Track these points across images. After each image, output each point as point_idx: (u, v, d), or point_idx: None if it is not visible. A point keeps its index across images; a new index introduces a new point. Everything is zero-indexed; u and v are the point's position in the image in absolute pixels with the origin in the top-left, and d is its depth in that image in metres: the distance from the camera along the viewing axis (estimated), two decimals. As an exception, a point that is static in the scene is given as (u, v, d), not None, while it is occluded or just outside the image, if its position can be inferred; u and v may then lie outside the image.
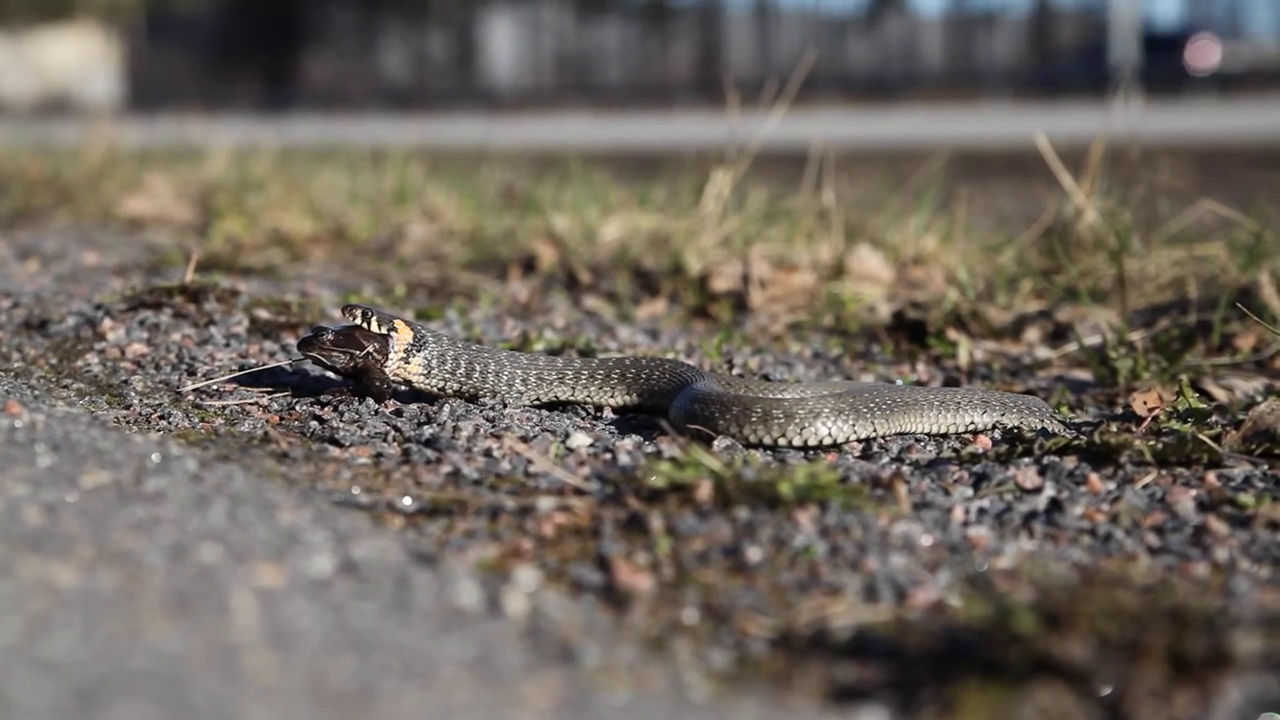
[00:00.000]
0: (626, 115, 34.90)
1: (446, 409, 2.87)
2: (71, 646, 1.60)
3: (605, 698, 1.60)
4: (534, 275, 5.12)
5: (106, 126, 10.51)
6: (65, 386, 3.19)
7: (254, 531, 2.06)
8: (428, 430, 2.74)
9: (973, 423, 2.86)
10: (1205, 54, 34.80)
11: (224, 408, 2.98)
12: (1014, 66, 42.26)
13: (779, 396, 2.77)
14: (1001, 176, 9.28)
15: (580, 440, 2.69)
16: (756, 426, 2.70)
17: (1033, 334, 4.01)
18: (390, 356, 2.95)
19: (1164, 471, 2.49)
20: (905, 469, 2.58)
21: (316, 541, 2.02)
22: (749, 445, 2.70)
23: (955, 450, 2.73)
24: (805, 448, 2.72)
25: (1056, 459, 2.52)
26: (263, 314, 3.81)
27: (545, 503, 2.21)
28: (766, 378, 3.43)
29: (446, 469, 2.50)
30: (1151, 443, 2.54)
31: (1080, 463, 2.51)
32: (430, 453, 2.59)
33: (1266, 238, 4.11)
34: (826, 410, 2.71)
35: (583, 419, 2.95)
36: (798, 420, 2.70)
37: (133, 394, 3.08)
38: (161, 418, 2.87)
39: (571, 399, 3.02)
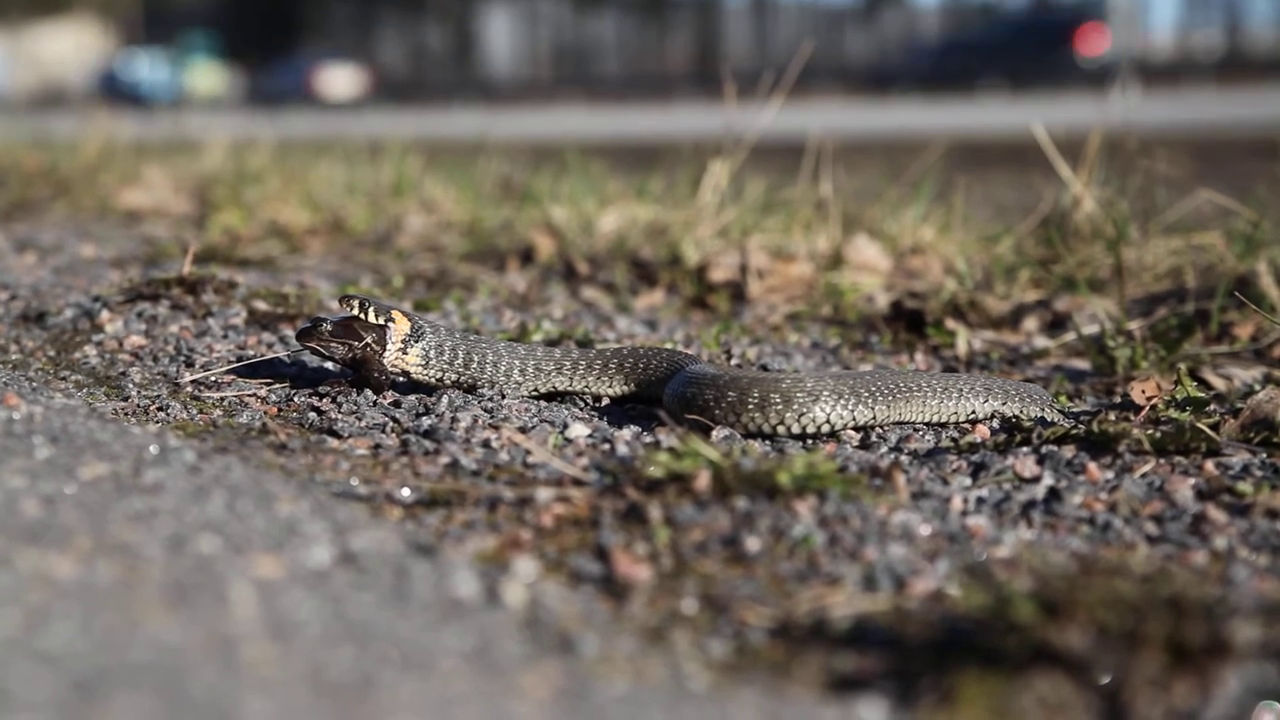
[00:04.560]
0: (624, 106, 34.86)
1: (445, 400, 2.87)
2: (70, 638, 1.60)
3: (604, 688, 1.60)
4: (532, 266, 5.12)
5: (104, 119, 10.50)
6: (63, 378, 3.19)
7: (252, 523, 2.05)
8: (426, 421, 2.73)
9: (973, 410, 2.86)
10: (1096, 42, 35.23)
11: (222, 399, 2.98)
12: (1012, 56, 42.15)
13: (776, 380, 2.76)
14: (999, 167, 9.27)
15: (579, 431, 2.69)
16: (754, 412, 2.70)
17: (1031, 323, 4.01)
18: (388, 347, 2.95)
19: (1162, 460, 2.48)
20: (904, 458, 2.58)
21: (315, 532, 2.02)
22: (748, 434, 2.70)
23: (954, 439, 2.73)
24: (804, 435, 2.72)
25: (1055, 448, 2.52)
26: (260, 305, 3.81)
27: (544, 493, 2.21)
28: (765, 368, 3.43)
29: (445, 460, 2.50)
30: (1150, 431, 2.54)
31: (1079, 452, 2.51)
32: (428, 444, 2.59)
33: (1264, 227, 4.11)
34: (825, 395, 2.71)
35: (581, 409, 2.95)
36: (796, 405, 2.70)
37: (131, 386, 3.08)
38: (160, 409, 2.87)
39: (570, 389, 3.02)
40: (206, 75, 46.27)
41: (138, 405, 2.90)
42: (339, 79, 46.12)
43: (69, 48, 61.90)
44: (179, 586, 1.78)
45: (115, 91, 41.90)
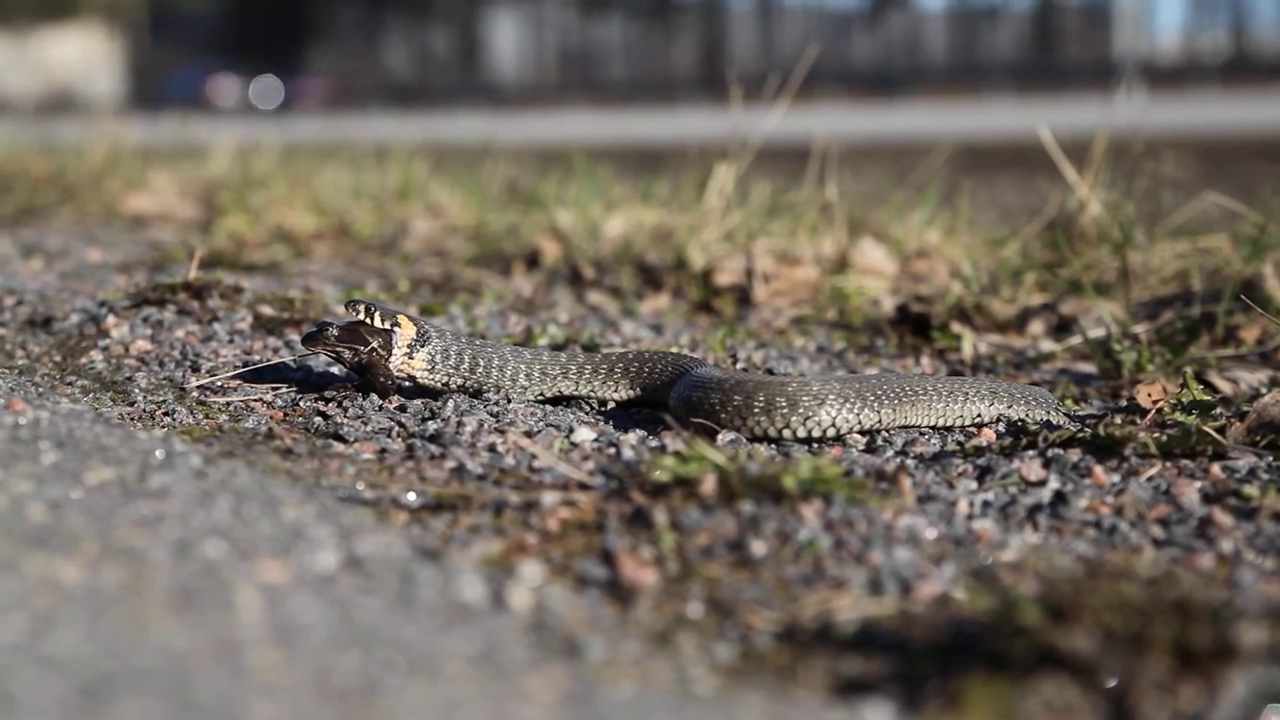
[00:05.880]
0: (630, 111, 34.88)
1: (451, 404, 2.87)
2: (76, 643, 1.61)
3: (610, 692, 1.60)
4: (538, 270, 5.12)
5: (110, 124, 10.53)
6: (69, 383, 3.19)
7: (258, 527, 2.06)
8: (432, 426, 2.74)
9: (979, 414, 2.86)
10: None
11: (228, 404, 2.98)
12: (1017, 60, 42.31)
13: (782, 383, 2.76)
14: (1005, 170, 9.27)
15: (584, 435, 2.69)
16: (760, 416, 2.70)
17: (1037, 327, 4.00)
18: (394, 352, 2.95)
19: (1168, 464, 2.48)
20: (909, 462, 2.58)
21: (321, 537, 2.02)
22: (753, 438, 2.70)
23: (959, 443, 2.73)
24: (809, 439, 2.72)
25: (1061, 451, 2.52)
26: (266, 310, 3.81)
27: (549, 497, 2.21)
28: (770, 372, 3.43)
29: (451, 464, 2.50)
30: (1156, 435, 2.54)
31: (1085, 455, 2.51)
32: (434, 448, 2.59)
33: (1270, 230, 4.10)
34: (831, 399, 2.71)
35: (587, 414, 2.95)
36: (801, 409, 2.69)
37: (137, 391, 3.08)
38: (166, 414, 2.87)
39: (575, 394, 3.02)
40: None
41: (144, 410, 2.91)
42: None
43: (75, 52, 62.02)
44: (185, 591, 1.79)
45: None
